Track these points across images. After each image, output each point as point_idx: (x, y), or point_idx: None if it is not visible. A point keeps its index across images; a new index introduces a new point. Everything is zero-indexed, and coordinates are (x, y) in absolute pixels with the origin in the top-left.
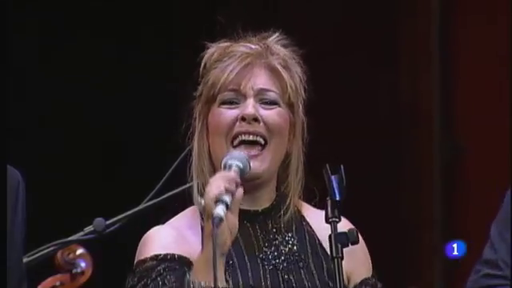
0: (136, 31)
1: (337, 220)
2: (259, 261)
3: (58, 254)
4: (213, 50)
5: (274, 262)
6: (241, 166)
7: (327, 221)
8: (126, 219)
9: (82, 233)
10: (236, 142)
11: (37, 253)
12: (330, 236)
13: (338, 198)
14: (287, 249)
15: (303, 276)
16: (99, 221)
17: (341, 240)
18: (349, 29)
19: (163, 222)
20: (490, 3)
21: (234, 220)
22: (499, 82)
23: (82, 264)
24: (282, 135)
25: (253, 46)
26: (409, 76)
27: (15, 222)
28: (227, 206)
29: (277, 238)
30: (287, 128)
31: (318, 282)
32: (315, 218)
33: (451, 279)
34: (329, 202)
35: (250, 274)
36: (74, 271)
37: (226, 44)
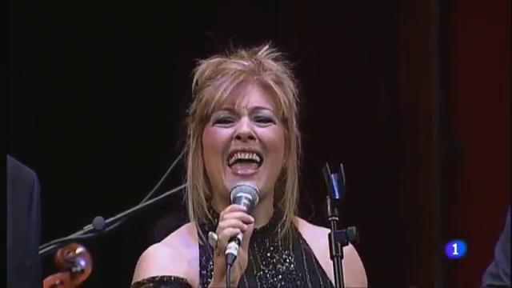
0: (136, 31)
1: (336, 219)
2: (257, 280)
3: (58, 253)
4: (204, 66)
5: (271, 280)
6: (250, 198)
7: (327, 219)
8: (126, 218)
9: (81, 231)
10: (232, 161)
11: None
12: (329, 234)
13: (337, 197)
14: (284, 267)
15: None
16: (99, 219)
17: (340, 238)
18: (348, 29)
19: (162, 221)
20: (489, 3)
21: (244, 255)
22: (499, 82)
23: (82, 262)
24: (278, 151)
25: (245, 63)
26: (408, 76)
27: (30, 221)
28: (239, 243)
29: (274, 257)
30: (282, 144)
31: None
32: (312, 235)
33: (451, 279)
34: (328, 201)
35: None
36: (74, 270)
37: (217, 60)
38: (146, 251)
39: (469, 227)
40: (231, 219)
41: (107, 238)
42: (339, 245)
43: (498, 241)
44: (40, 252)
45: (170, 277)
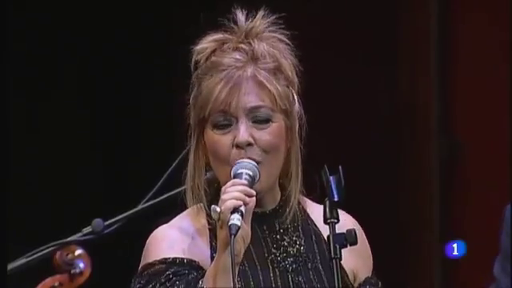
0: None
1: (335, 221)
2: (269, 263)
3: (57, 255)
4: (203, 47)
5: (283, 263)
6: (251, 174)
7: (325, 222)
8: (125, 220)
9: (80, 234)
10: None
11: (35, 253)
12: (328, 237)
13: (336, 199)
14: (295, 249)
15: (312, 277)
16: (97, 221)
17: (339, 241)
18: (347, 28)
19: (162, 223)
20: (489, 3)
21: (247, 229)
22: (498, 81)
23: (81, 265)
24: (278, 151)
25: (238, 57)
26: (407, 75)
27: None
28: (242, 216)
29: (284, 239)
30: (283, 140)
31: (326, 282)
32: (319, 214)
33: (451, 279)
34: (327, 203)
35: (260, 277)
36: (73, 272)
37: (214, 42)
38: (155, 233)
39: (468, 227)
40: (234, 192)
41: (107, 239)
42: (338, 247)
43: (496, 260)
44: (39, 254)
45: (183, 259)
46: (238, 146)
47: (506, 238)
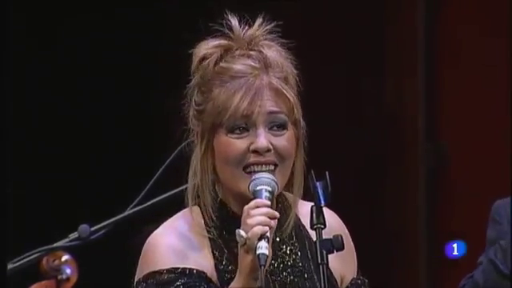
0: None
1: (322, 227)
2: (268, 275)
3: (44, 261)
4: (206, 52)
5: (281, 275)
6: (270, 190)
7: (312, 227)
8: (112, 226)
9: (66, 239)
10: (247, 170)
11: (22, 259)
12: (315, 242)
13: (323, 205)
14: (292, 260)
15: None
16: (84, 227)
17: (326, 247)
18: (334, 35)
19: (150, 230)
20: (476, 9)
21: (269, 252)
22: (485, 91)
23: (68, 270)
24: (291, 157)
25: (252, 63)
26: (394, 84)
27: None
28: (268, 241)
29: (282, 249)
30: (294, 149)
31: None
32: (308, 216)
33: (437, 284)
34: (314, 209)
35: None
36: (60, 277)
37: (218, 49)
38: (156, 239)
39: (454, 234)
40: (259, 216)
41: (93, 245)
42: (324, 253)
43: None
44: (26, 260)
45: (192, 270)
46: (256, 152)
47: (491, 227)
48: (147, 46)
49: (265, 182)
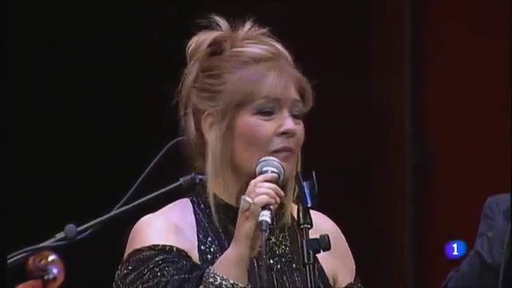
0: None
1: (308, 226)
2: (254, 261)
3: (30, 260)
4: (216, 36)
5: (268, 262)
6: (277, 171)
7: (299, 227)
8: (99, 225)
9: (53, 239)
10: (270, 153)
11: (8, 259)
12: (301, 242)
13: (309, 205)
14: (281, 250)
15: (296, 278)
16: (70, 227)
17: (312, 246)
18: (319, 36)
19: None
20: (463, 9)
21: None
22: (472, 89)
23: (54, 270)
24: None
25: (264, 46)
26: (380, 84)
27: None
28: (271, 213)
29: (270, 239)
30: None
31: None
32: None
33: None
34: (300, 209)
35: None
36: (46, 278)
37: (223, 34)
38: (142, 220)
39: (441, 234)
40: (267, 188)
41: (80, 245)
42: (311, 253)
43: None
44: (12, 260)
45: (172, 247)
46: (284, 134)
47: (483, 222)
48: (147, 46)
49: (273, 164)
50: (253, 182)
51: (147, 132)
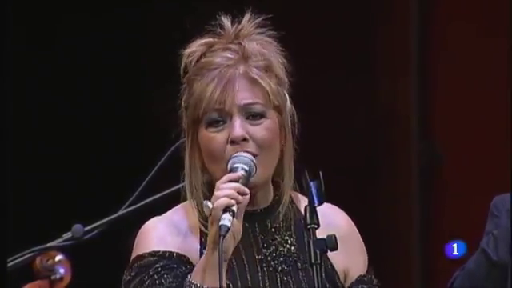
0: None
1: (315, 226)
2: (258, 263)
3: (37, 260)
4: (191, 50)
5: (272, 263)
6: (247, 168)
7: (305, 227)
8: (105, 225)
9: (60, 239)
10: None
11: (16, 259)
12: (308, 242)
13: (316, 205)
14: (286, 249)
15: (301, 278)
16: (77, 227)
17: (319, 246)
18: (326, 35)
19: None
20: (469, 8)
21: (238, 226)
22: (478, 89)
23: (61, 270)
24: (272, 146)
25: (229, 55)
26: (386, 84)
27: None
28: (233, 215)
29: (276, 238)
30: (277, 135)
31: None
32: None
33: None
34: (307, 209)
35: (248, 276)
36: (53, 277)
37: (203, 46)
38: (146, 225)
39: (447, 234)
40: (227, 189)
41: (87, 245)
42: (318, 253)
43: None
44: (19, 259)
45: (172, 253)
46: (234, 142)
47: (489, 221)
48: (147, 46)
49: (243, 160)
50: (217, 183)
51: (147, 132)
